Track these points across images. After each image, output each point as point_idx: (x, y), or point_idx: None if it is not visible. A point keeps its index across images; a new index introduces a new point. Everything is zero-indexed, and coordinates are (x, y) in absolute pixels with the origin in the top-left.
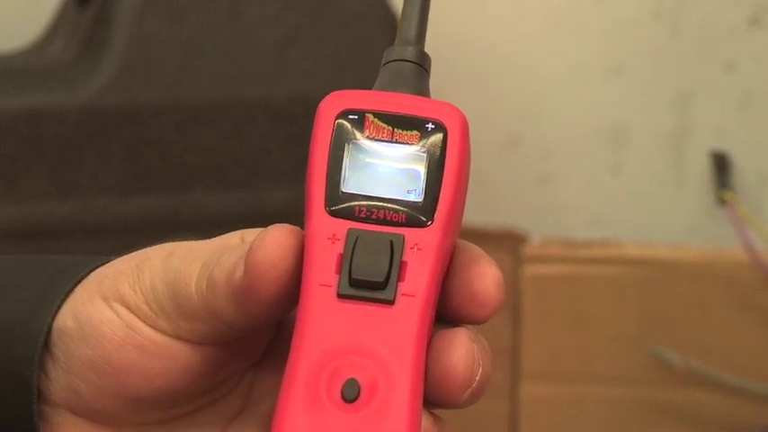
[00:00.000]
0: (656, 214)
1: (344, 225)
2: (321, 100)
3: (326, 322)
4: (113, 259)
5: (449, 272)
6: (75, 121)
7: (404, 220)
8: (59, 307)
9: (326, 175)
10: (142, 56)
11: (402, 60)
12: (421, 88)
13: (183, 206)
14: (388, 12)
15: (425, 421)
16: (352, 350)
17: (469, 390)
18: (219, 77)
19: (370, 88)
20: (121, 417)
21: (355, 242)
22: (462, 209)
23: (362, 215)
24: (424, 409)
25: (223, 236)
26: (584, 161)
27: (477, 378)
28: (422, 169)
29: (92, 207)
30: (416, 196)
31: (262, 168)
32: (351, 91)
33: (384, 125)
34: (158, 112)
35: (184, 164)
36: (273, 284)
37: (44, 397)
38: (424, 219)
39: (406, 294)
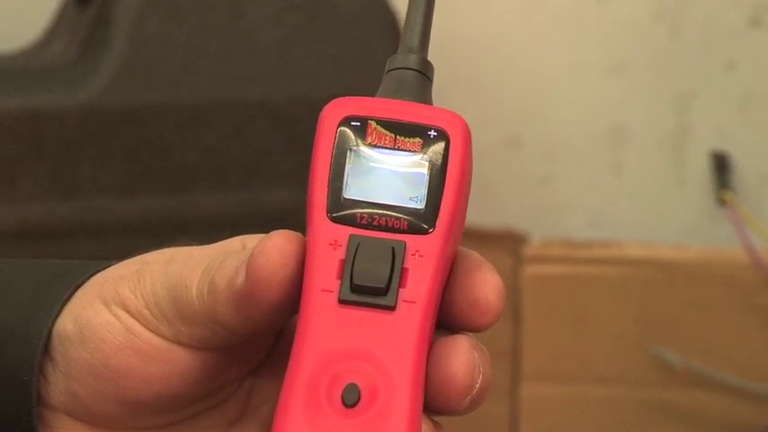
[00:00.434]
0: (656, 215)
1: (346, 231)
2: (321, 100)
3: (327, 327)
4: (113, 263)
5: (450, 279)
6: (76, 122)
7: (405, 227)
8: (59, 311)
9: (328, 181)
10: (142, 56)
11: (405, 68)
12: (423, 96)
13: (183, 207)
14: (388, 12)
15: (425, 427)
16: (353, 355)
17: (470, 397)
18: (219, 78)
19: (370, 88)
20: (120, 421)
21: (357, 248)
22: (464, 216)
23: (364, 222)
24: (424, 415)
25: (224, 241)
26: (584, 162)
27: (478, 385)
28: (424, 176)
29: (92, 207)
30: (418, 203)
31: (262, 169)
32: (353, 98)
33: (386, 132)
34: (158, 112)
35: (184, 164)
36: (275, 290)
37: (43, 401)
38: (426, 226)
39: (407, 301)
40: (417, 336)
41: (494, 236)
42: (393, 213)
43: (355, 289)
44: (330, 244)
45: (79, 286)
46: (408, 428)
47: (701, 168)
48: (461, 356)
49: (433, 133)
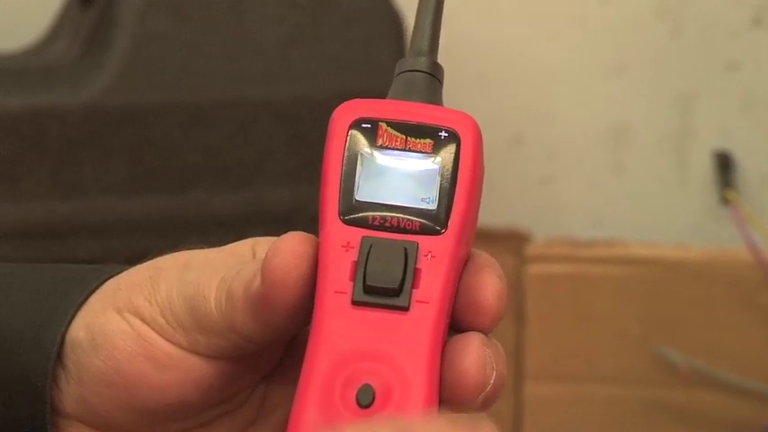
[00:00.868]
0: (659, 214)
1: (358, 233)
2: (324, 100)
3: (341, 328)
4: (126, 269)
5: None
6: (78, 121)
7: (417, 228)
8: (72, 318)
9: (340, 183)
10: (145, 56)
11: (415, 71)
12: (434, 98)
13: (185, 206)
14: (391, 11)
15: None
16: (367, 356)
17: (483, 394)
18: (222, 77)
19: (373, 87)
20: (133, 428)
21: (369, 249)
22: (476, 216)
23: (376, 223)
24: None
25: (234, 243)
26: (587, 161)
27: (492, 382)
28: (435, 177)
29: (94, 207)
30: (430, 204)
31: (265, 168)
32: (364, 100)
33: (397, 134)
34: (161, 111)
35: (187, 164)
36: (290, 291)
37: (56, 408)
38: (438, 227)
39: (420, 301)
40: (431, 336)
41: (497, 235)
42: (405, 215)
43: (368, 290)
44: (343, 246)
45: (92, 292)
46: None
47: (703, 168)
48: (473, 354)
49: (443, 134)
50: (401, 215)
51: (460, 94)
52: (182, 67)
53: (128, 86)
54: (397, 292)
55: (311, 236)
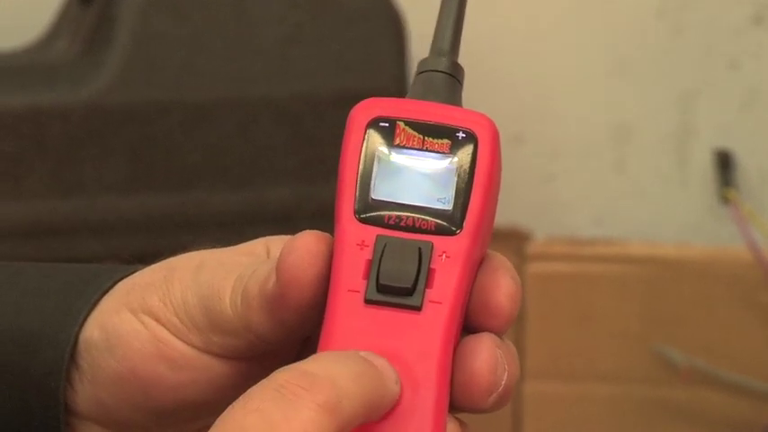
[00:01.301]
0: (659, 213)
1: (373, 232)
2: (325, 98)
3: (353, 327)
4: (140, 268)
5: None
6: (79, 120)
7: (433, 228)
8: (86, 317)
9: (356, 181)
10: (146, 54)
11: (434, 71)
12: (453, 98)
13: (186, 204)
14: (391, 9)
15: (451, 426)
16: (379, 355)
17: (495, 394)
18: (223, 76)
19: (374, 86)
20: (147, 429)
21: (384, 248)
22: (492, 218)
23: (392, 222)
24: (450, 414)
25: (248, 243)
26: (587, 160)
27: (503, 383)
28: (452, 178)
29: (95, 205)
30: (446, 204)
31: (265, 166)
32: (382, 99)
33: (415, 133)
34: (162, 110)
35: (188, 162)
36: (304, 289)
37: (70, 408)
38: (453, 227)
39: (433, 301)
40: (443, 336)
41: (497, 233)
42: (421, 214)
43: (381, 289)
44: (357, 244)
45: (106, 292)
46: (433, 429)
47: (704, 166)
48: (485, 355)
49: (461, 135)
50: (416, 215)
51: (463, 93)
52: (182, 66)
53: (128, 85)
54: (410, 292)
55: (326, 234)
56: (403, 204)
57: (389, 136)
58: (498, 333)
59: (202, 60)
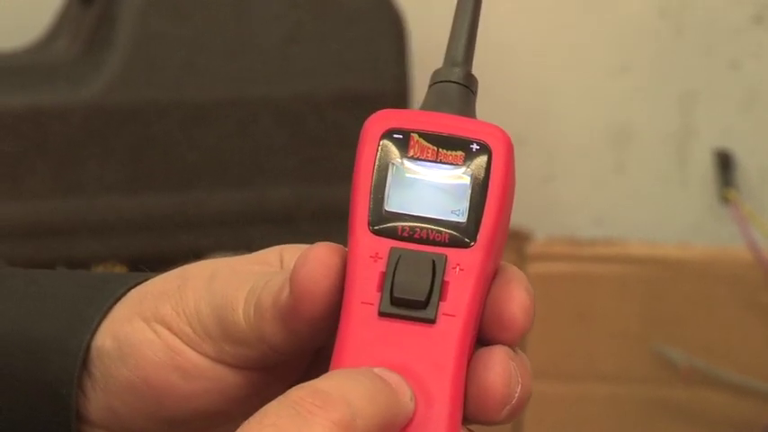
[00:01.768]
0: (659, 213)
1: (387, 244)
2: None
3: (367, 340)
4: (151, 276)
5: None
6: (79, 120)
7: (446, 241)
8: (98, 325)
9: (370, 193)
10: (146, 54)
11: (448, 82)
12: (466, 109)
13: (186, 204)
14: (391, 9)
15: None
16: (392, 368)
17: (508, 407)
18: (223, 76)
19: (374, 86)
20: None
21: (397, 261)
22: (506, 230)
23: (405, 234)
24: (463, 426)
25: (262, 251)
26: (588, 160)
27: (516, 395)
28: (466, 190)
29: (95, 205)
30: (460, 216)
31: (265, 166)
32: (396, 110)
33: (429, 145)
34: (162, 110)
35: (188, 162)
36: (318, 302)
37: (82, 416)
38: (467, 239)
39: (446, 314)
40: (457, 349)
41: None
42: (434, 226)
43: (395, 302)
44: (371, 256)
45: (118, 299)
46: None
47: (704, 167)
48: (498, 368)
49: (475, 147)
50: (430, 227)
51: None
52: (182, 66)
53: (128, 85)
54: (423, 305)
55: (340, 246)
56: (417, 216)
57: (403, 148)
58: (511, 345)
59: (202, 60)
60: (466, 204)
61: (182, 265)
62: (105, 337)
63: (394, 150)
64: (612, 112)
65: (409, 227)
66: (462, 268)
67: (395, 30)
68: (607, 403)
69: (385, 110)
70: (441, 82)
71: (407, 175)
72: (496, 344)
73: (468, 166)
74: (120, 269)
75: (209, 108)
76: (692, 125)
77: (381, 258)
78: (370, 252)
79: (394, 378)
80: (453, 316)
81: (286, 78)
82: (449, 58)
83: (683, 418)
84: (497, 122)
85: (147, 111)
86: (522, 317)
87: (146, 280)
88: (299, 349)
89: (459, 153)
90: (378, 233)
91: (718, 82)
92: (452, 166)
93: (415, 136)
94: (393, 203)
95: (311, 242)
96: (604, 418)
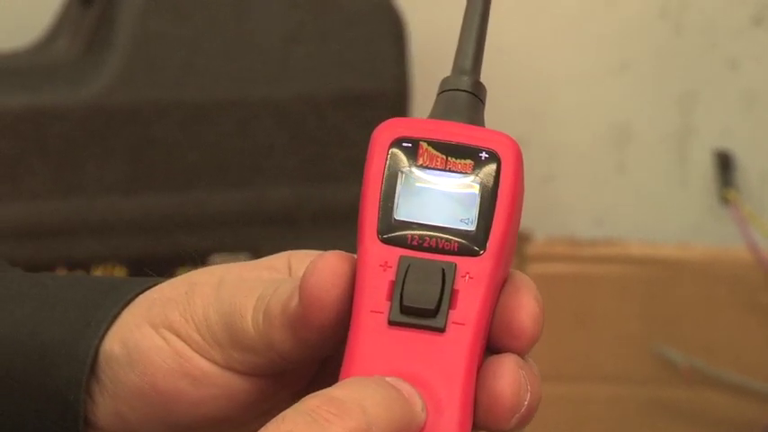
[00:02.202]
0: (659, 213)
1: (397, 252)
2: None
3: (376, 348)
4: (159, 281)
5: None
6: (79, 120)
7: (456, 249)
8: (106, 330)
9: (379, 202)
10: (146, 55)
11: (457, 90)
12: (475, 118)
13: (186, 204)
14: (392, 10)
15: None
16: (402, 377)
17: (517, 415)
18: (223, 76)
19: (374, 86)
20: None
21: (407, 270)
22: (515, 238)
23: (415, 243)
24: None
25: (270, 257)
26: (588, 160)
27: (526, 403)
28: (475, 198)
29: (95, 206)
30: (469, 225)
31: (265, 166)
32: (405, 119)
33: (438, 153)
34: (162, 110)
35: (188, 162)
36: (327, 310)
37: (89, 421)
38: (477, 248)
39: (456, 323)
40: (466, 358)
41: None
42: (444, 235)
43: (405, 310)
44: (380, 265)
45: (126, 304)
46: None
47: (704, 167)
48: (507, 376)
49: (484, 155)
50: (440, 235)
51: None
52: (182, 67)
53: (128, 85)
54: (433, 313)
55: (349, 254)
56: (426, 225)
57: (412, 156)
58: (521, 353)
59: (202, 61)
60: (475, 213)
61: (183, 265)
62: (114, 343)
63: (403, 159)
64: (612, 113)
65: (419, 235)
66: (472, 277)
67: (395, 30)
68: (607, 404)
69: (394, 118)
70: (449, 90)
71: (417, 183)
72: (506, 352)
73: (477, 175)
74: (120, 269)
75: (209, 108)
76: (692, 125)
77: (391, 267)
78: (380, 261)
79: (406, 388)
80: (463, 324)
81: (286, 78)
82: (457, 67)
83: (683, 418)
84: (497, 122)
85: (147, 111)
86: (532, 325)
87: (153, 285)
88: (308, 357)
89: (469, 161)
90: (387, 242)
91: (718, 82)
92: (461, 175)
93: (424, 144)
94: (402, 212)
95: (311, 242)
96: (605, 419)
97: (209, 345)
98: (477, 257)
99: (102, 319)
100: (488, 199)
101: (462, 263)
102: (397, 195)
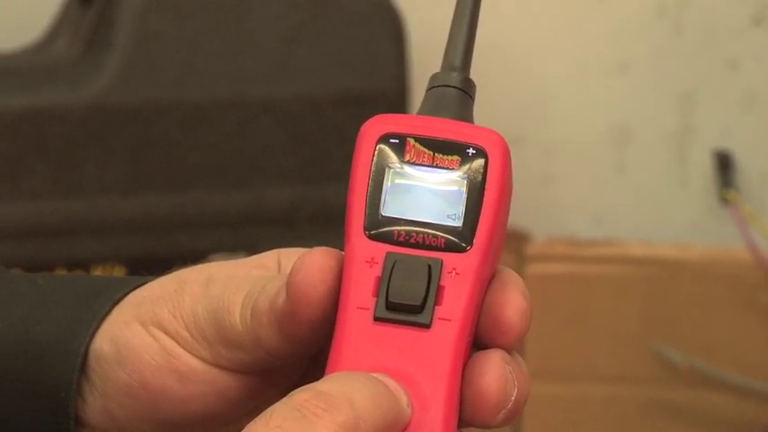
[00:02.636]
0: (659, 213)
1: (383, 249)
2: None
3: (362, 345)
4: (149, 280)
5: None
6: (79, 120)
7: (442, 245)
8: (96, 329)
9: (366, 198)
10: (145, 55)
11: (446, 86)
12: (464, 114)
13: (186, 204)
14: (391, 10)
15: None
16: (388, 373)
17: (504, 411)
18: (223, 76)
19: (373, 87)
20: None
21: (393, 266)
22: (503, 234)
23: (401, 239)
24: (459, 430)
25: (259, 255)
26: (587, 160)
27: (513, 399)
28: (462, 194)
29: (95, 206)
30: (456, 221)
31: (265, 167)
32: (393, 115)
33: (425, 149)
34: (162, 110)
35: (187, 162)
36: (314, 307)
37: (80, 420)
38: (463, 244)
39: (442, 318)
40: (452, 354)
41: None
42: (430, 231)
43: (391, 306)
44: (367, 261)
45: (116, 303)
46: None
47: (704, 167)
48: (494, 372)
49: (471, 151)
50: (426, 231)
51: None
52: (182, 67)
53: (128, 86)
54: (419, 309)
55: (336, 251)
56: (413, 221)
57: (399, 152)
58: (508, 349)
59: (202, 61)
60: (462, 209)
61: (181, 265)
62: (103, 341)
63: (390, 155)
64: (612, 112)
65: (405, 231)
66: (458, 273)
67: (394, 30)
68: (606, 404)
69: (381, 114)
70: (438, 86)
71: (404, 179)
72: (493, 348)
73: (464, 171)
74: (119, 269)
75: (209, 108)
76: (692, 125)
77: (377, 263)
78: (366, 257)
79: (392, 383)
80: (449, 320)
81: (286, 79)
82: (447, 63)
83: (682, 418)
84: (496, 122)
85: (146, 111)
86: (519, 321)
87: (144, 284)
88: (296, 353)
89: (456, 157)
90: (374, 238)
91: (718, 82)
92: (448, 171)
93: (412, 140)
94: (389, 208)
95: (310, 243)
96: (604, 419)
97: (197, 342)
98: (464, 253)
99: (92, 319)
100: (475, 195)
101: (449, 259)
102: (383, 191)
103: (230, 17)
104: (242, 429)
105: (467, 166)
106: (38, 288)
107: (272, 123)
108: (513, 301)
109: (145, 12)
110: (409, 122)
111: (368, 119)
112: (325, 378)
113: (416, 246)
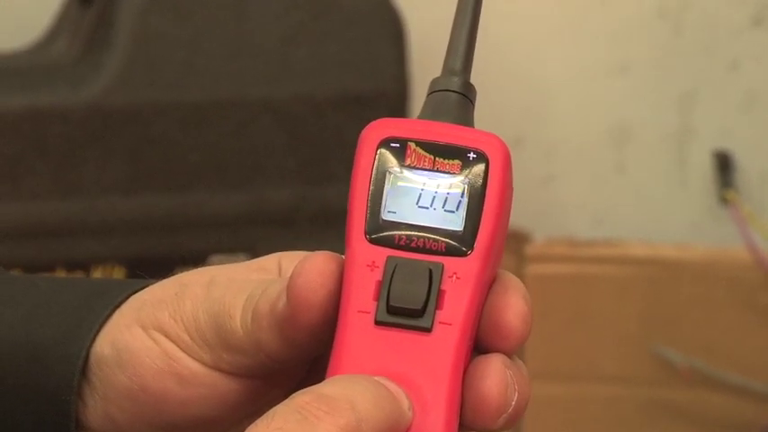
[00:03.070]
0: (659, 214)
1: (384, 253)
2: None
3: (363, 348)
4: (150, 283)
5: None
6: (79, 121)
7: (443, 249)
8: (97, 332)
9: (367, 202)
10: (145, 55)
11: (446, 90)
12: (464, 118)
13: (186, 205)
14: (391, 10)
15: None
16: (388, 377)
17: (505, 415)
18: (223, 76)
19: (373, 87)
20: None
21: (394, 270)
22: (503, 239)
23: (402, 243)
24: None
25: (260, 258)
26: (587, 161)
27: (513, 403)
28: (463, 198)
29: (95, 206)
30: (456, 225)
31: (265, 167)
32: (393, 119)
33: (426, 154)
34: (161, 111)
35: (187, 163)
36: (315, 311)
37: (81, 423)
38: (464, 248)
39: (443, 323)
40: (453, 358)
41: None
42: (431, 235)
43: (391, 310)
44: (368, 265)
45: (117, 306)
46: None
47: (703, 167)
48: (494, 376)
49: (472, 155)
50: (427, 235)
51: None
52: (182, 67)
53: (128, 86)
54: (420, 313)
55: (337, 255)
56: (413, 225)
57: (400, 156)
58: (508, 353)
59: (202, 61)
60: (463, 213)
61: (181, 266)
62: (104, 345)
63: (391, 159)
64: (612, 113)
65: (406, 236)
66: (459, 277)
67: (394, 31)
68: (607, 404)
69: (382, 119)
70: (439, 91)
71: (404, 183)
72: (494, 352)
73: (465, 175)
74: (119, 270)
75: (209, 108)
76: (692, 126)
77: (378, 267)
78: (367, 261)
79: (393, 387)
80: (450, 325)
81: (286, 79)
82: (447, 67)
83: (682, 418)
84: (497, 122)
85: (146, 111)
86: (520, 325)
87: (145, 287)
88: (296, 357)
89: (456, 162)
90: (374, 242)
91: (718, 82)
92: (449, 175)
93: (412, 145)
94: (390, 212)
95: (310, 243)
96: (604, 420)
97: (197, 345)
98: (465, 258)
99: (93, 322)
100: (476, 199)
101: (449, 263)
102: (384, 195)
103: (230, 17)
104: (241, 431)
105: (467, 171)
106: (38, 290)
107: (272, 123)
108: (513, 306)
109: (145, 12)
110: (410, 127)
111: (368, 120)
112: (326, 381)
113: (417, 250)
